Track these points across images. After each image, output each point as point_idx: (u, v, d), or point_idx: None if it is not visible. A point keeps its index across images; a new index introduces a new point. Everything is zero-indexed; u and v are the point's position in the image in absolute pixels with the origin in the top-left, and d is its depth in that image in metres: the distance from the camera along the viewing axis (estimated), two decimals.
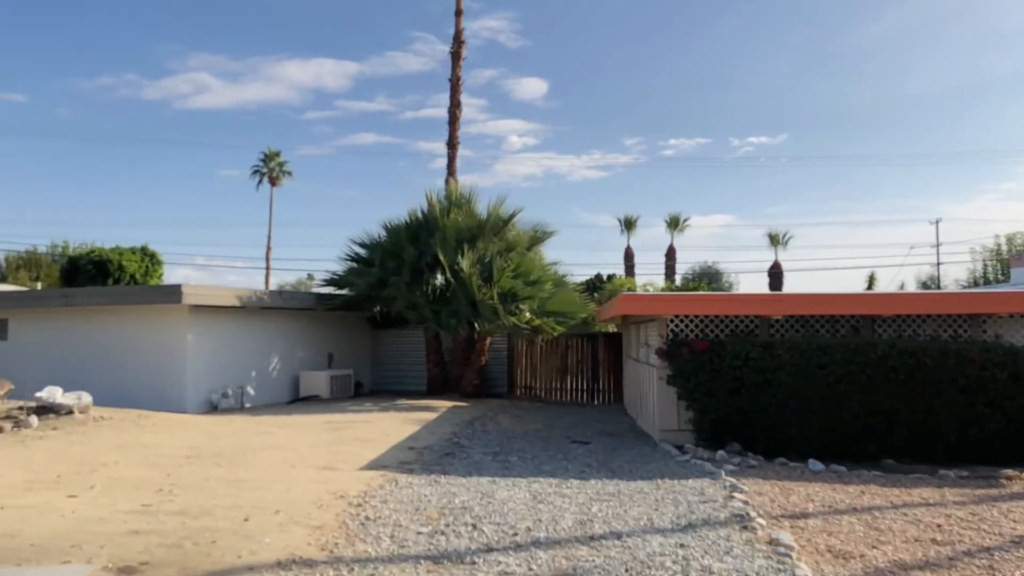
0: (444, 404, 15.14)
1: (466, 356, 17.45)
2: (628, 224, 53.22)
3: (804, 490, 7.33)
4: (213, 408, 14.12)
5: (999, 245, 42.89)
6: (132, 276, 31.64)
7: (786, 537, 5.44)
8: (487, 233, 16.67)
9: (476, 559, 4.94)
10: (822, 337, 9.76)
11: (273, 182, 53.24)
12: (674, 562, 4.89)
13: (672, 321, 10.37)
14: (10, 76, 75.05)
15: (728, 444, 9.46)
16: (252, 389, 15.25)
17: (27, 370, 13.54)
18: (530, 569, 4.77)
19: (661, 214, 79.89)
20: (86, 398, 11.30)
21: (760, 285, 51.20)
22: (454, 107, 21.01)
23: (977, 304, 10.14)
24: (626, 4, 78.78)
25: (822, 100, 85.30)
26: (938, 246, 50.93)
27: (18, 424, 10.05)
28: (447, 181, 20.10)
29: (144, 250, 33.22)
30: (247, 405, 14.88)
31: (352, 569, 4.67)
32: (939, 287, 45.30)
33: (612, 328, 18.73)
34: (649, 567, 4.79)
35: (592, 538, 5.48)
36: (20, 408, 10.96)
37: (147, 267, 32.81)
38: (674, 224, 53.44)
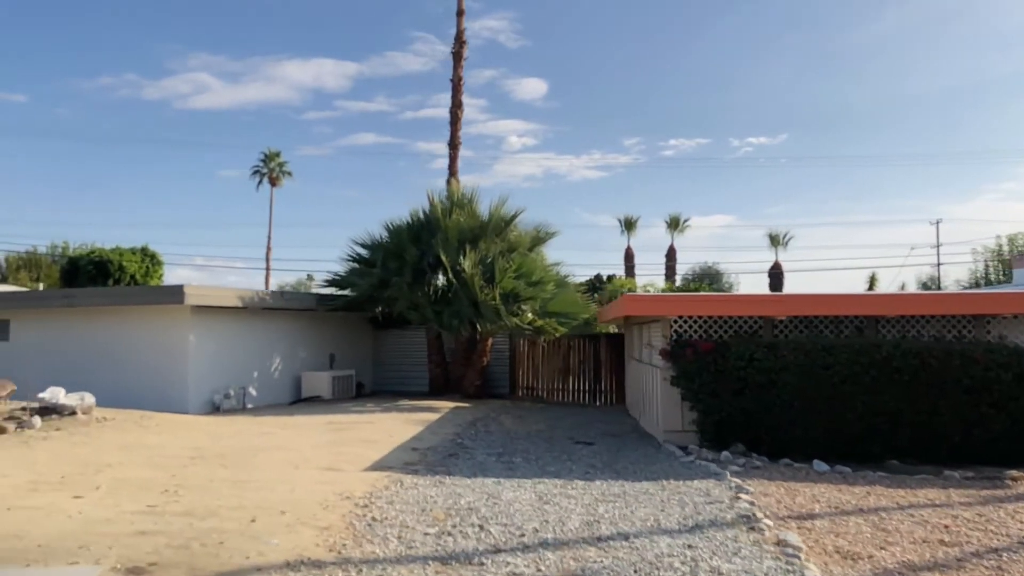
0: (446, 405, 15.14)
1: (468, 357, 17.44)
2: (628, 224, 53.27)
3: (810, 491, 7.33)
4: (215, 409, 14.10)
5: (1000, 246, 42.91)
6: (132, 277, 31.62)
7: (794, 538, 5.43)
8: (489, 234, 16.66)
9: (484, 560, 4.93)
10: (826, 338, 9.76)
11: (273, 182, 53.23)
12: (683, 563, 4.89)
13: (676, 322, 10.37)
14: (10, 76, 75.09)
15: (732, 445, 9.45)
16: (254, 390, 15.24)
17: (29, 371, 13.51)
18: (539, 570, 4.76)
19: (661, 214, 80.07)
20: (89, 399, 11.29)
21: (760, 286, 51.25)
22: (456, 107, 20.99)
23: (981, 305, 10.14)
24: (626, 4, 78.86)
25: (822, 100, 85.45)
26: (938, 246, 51.00)
27: (21, 425, 10.04)
28: (449, 181, 20.08)
29: (144, 251, 33.22)
30: (249, 406, 14.87)
31: (361, 570, 4.66)
32: (939, 288, 45.34)
33: (613, 329, 18.74)
34: (658, 568, 4.79)
35: (599, 539, 5.47)
36: (23, 409, 10.95)
37: (147, 267, 32.80)
38: (674, 224, 53.49)
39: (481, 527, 5.72)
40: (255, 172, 53.37)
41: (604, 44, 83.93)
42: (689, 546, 5.26)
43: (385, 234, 17.45)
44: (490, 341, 17.40)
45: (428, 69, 78.49)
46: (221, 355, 14.47)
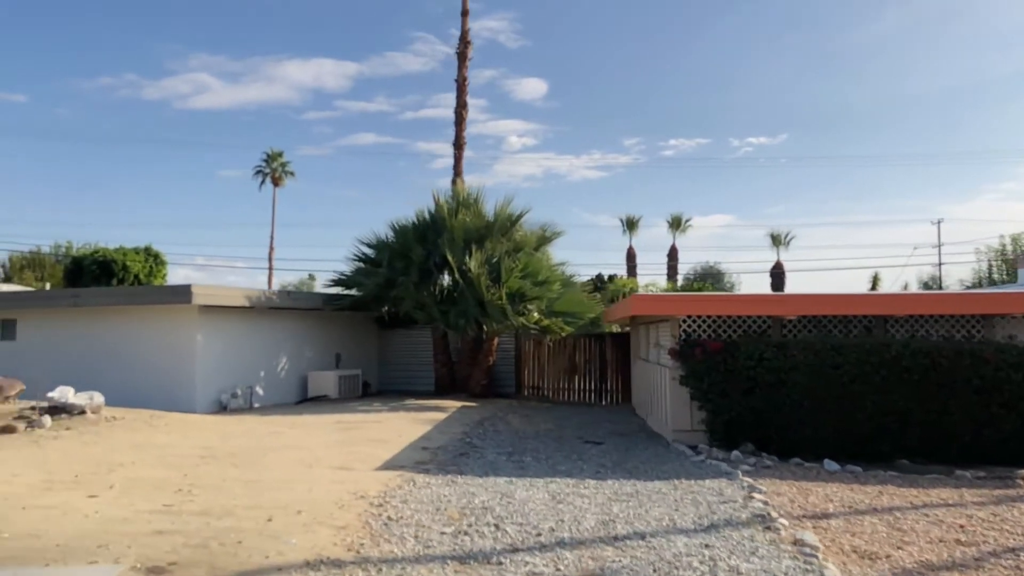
0: (453, 404, 15.15)
1: (474, 356, 17.45)
2: (630, 224, 53.24)
3: (822, 490, 7.33)
4: (222, 408, 14.12)
5: (1004, 245, 42.88)
6: (136, 276, 31.64)
7: (810, 537, 5.43)
8: (495, 233, 16.67)
9: (503, 559, 4.94)
10: (836, 337, 9.76)
11: (276, 182, 53.24)
12: (701, 562, 4.89)
13: (685, 321, 10.37)
14: (10, 76, 75.14)
15: (742, 444, 9.45)
16: (261, 389, 15.25)
17: (36, 370, 13.51)
18: (557, 569, 4.76)
19: (661, 214, 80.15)
20: (98, 398, 11.30)
21: (762, 286, 51.22)
22: (460, 107, 20.97)
23: (990, 305, 10.13)
24: (626, 4, 78.84)
25: (822, 100, 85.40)
26: (939, 246, 50.96)
27: (31, 424, 10.05)
28: (454, 181, 20.08)
29: (148, 250, 33.24)
30: (256, 405, 14.88)
31: (381, 569, 4.67)
32: (941, 287, 45.31)
33: (616, 328, 18.72)
34: (677, 567, 4.79)
35: (616, 538, 5.48)
36: (32, 408, 10.96)
37: (151, 267, 32.83)
38: (676, 224, 53.48)
39: (497, 526, 5.73)
40: (257, 172, 53.41)
41: (604, 44, 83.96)
42: (706, 546, 5.27)
43: (391, 234, 17.47)
44: (496, 340, 17.42)
45: (428, 69, 78.57)
46: (228, 355, 14.49)
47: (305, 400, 16.22)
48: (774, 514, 6.13)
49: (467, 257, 15.66)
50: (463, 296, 15.69)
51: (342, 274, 17.90)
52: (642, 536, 5.54)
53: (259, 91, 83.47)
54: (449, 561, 4.89)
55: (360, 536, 5.37)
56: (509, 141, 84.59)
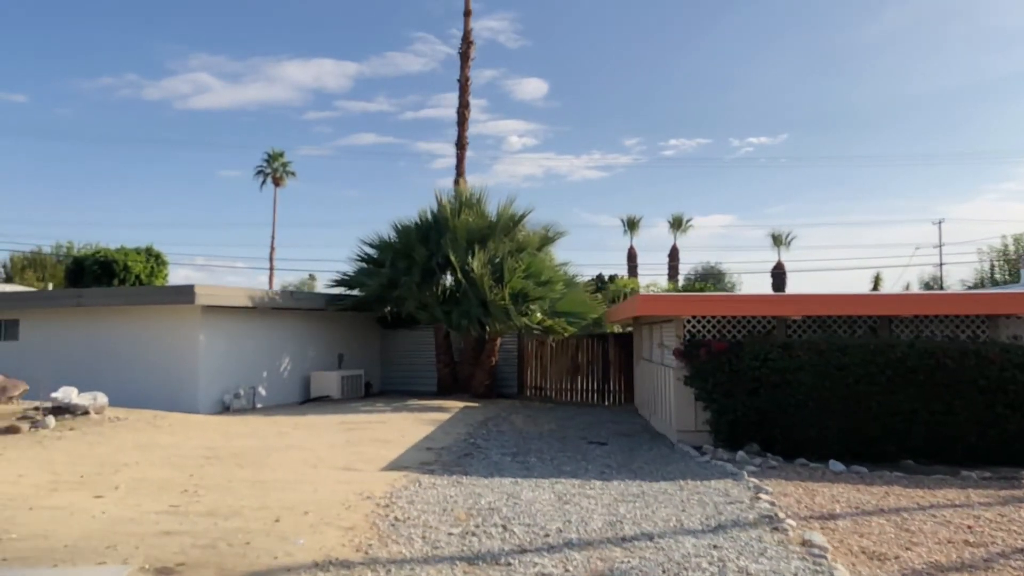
0: (456, 404, 15.14)
1: (476, 356, 17.45)
2: (631, 224, 53.23)
3: (828, 491, 7.32)
4: (225, 408, 14.11)
5: (1006, 245, 42.84)
6: (137, 277, 31.67)
7: (818, 538, 5.42)
8: (497, 234, 16.66)
9: (511, 560, 4.93)
10: (841, 338, 9.75)
11: (277, 183, 53.21)
12: (710, 563, 4.88)
13: (689, 322, 10.36)
14: (11, 76, 75.18)
15: (746, 445, 9.44)
16: (263, 389, 15.25)
17: (38, 370, 13.51)
18: (567, 570, 4.76)
19: (661, 214, 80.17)
20: (101, 398, 11.30)
21: (763, 286, 51.21)
22: (463, 108, 20.97)
23: (995, 305, 10.13)
24: (626, 4, 78.85)
25: (822, 100, 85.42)
26: (941, 247, 50.94)
27: (35, 424, 10.04)
28: (456, 181, 20.08)
29: (149, 250, 33.27)
30: (259, 405, 14.88)
31: (390, 570, 4.66)
32: (942, 287, 45.29)
33: (617, 328, 18.70)
34: (686, 568, 4.79)
35: (624, 539, 5.47)
36: (36, 408, 10.95)
37: (152, 267, 32.85)
38: (677, 224, 53.49)
39: (504, 527, 5.72)
40: (259, 172, 53.38)
41: (604, 44, 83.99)
42: (714, 546, 5.26)
43: (393, 234, 17.47)
44: (498, 341, 17.41)
45: (428, 69, 78.60)
46: (231, 355, 14.48)
47: (308, 400, 16.22)
48: (781, 515, 6.12)
49: (470, 257, 15.66)
50: (466, 296, 15.69)
51: (345, 274, 17.90)
52: (650, 537, 5.53)
53: (259, 91, 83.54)
54: (458, 562, 4.88)
55: (368, 537, 5.36)
56: (509, 141, 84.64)
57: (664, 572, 4.72)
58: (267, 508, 6.11)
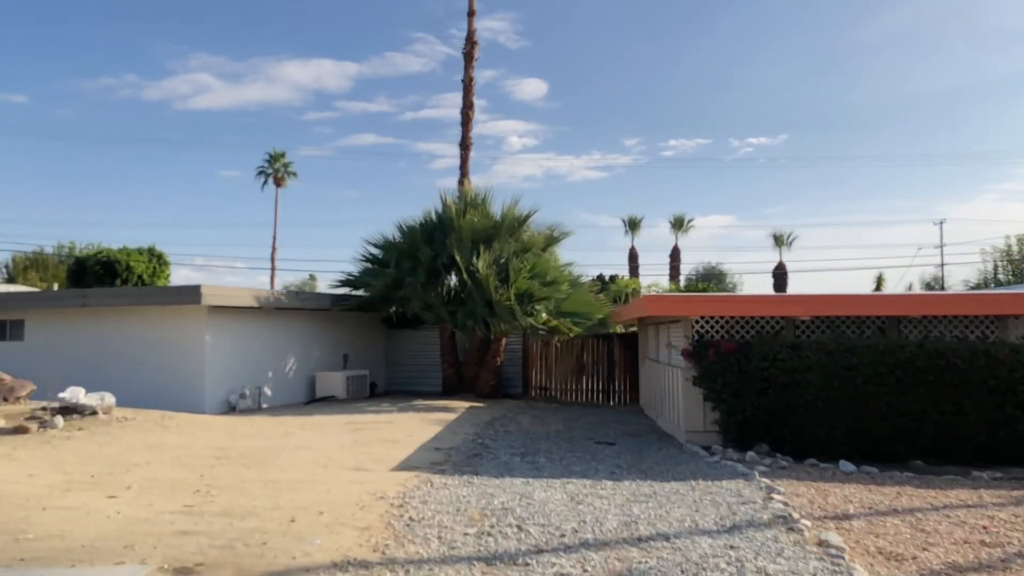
0: (461, 405, 15.14)
1: (481, 357, 17.44)
2: (632, 225, 53.20)
3: (840, 491, 7.31)
4: (231, 409, 14.10)
5: (1010, 246, 42.82)
6: (140, 277, 31.65)
7: (835, 539, 5.42)
8: (503, 234, 16.66)
9: (529, 560, 4.93)
10: (850, 338, 9.74)
11: (278, 183, 53.19)
12: (728, 563, 4.88)
13: (697, 322, 10.35)
14: (11, 77, 75.18)
15: (756, 445, 9.44)
16: (269, 389, 15.24)
17: (43, 370, 13.50)
18: (584, 570, 4.75)
19: (662, 214, 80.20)
20: (109, 399, 11.29)
21: (764, 286, 51.20)
22: (467, 108, 20.91)
23: (1004, 305, 10.12)
24: (627, 5, 78.86)
25: (822, 100, 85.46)
26: (942, 247, 50.94)
27: (44, 425, 10.04)
28: (461, 182, 20.05)
29: (151, 251, 33.24)
30: (264, 406, 14.88)
31: (408, 570, 4.65)
32: (943, 288, 45.28)
33: (621, 328, 18.68)
34: (704, 568, 4.78)
35: (640, 539, 5.46)
36: (44, 408, 10.95)
37: (155, 268, 32.83)
38: (678, 224, 53.48)
39: (519, 527, 5.72)
40: (260, 172, 53.32)
41: (604, 44, 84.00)
42: (731, 547, 5.25)
43: (398, 234, 17.46)
44: (504, 341, 17.40)
45: (428, 70, 78.64)
46: (236, 355, 14.48)
47: (313, 400, 16.21)
48: (795, 515, 6.12)
49: (475, 257, 15.65)
50: (471, 296, 15.68)
51: (349, 274, 17.91)
52: (665, 537, 5.53)
53: (260, 91, 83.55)
54: (476, 562, 4.88)
55: (384, 537, 5.36)
56: (509, 141, 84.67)
57: (683, 572, 4.72)
58: (281, 508, 6.10)
